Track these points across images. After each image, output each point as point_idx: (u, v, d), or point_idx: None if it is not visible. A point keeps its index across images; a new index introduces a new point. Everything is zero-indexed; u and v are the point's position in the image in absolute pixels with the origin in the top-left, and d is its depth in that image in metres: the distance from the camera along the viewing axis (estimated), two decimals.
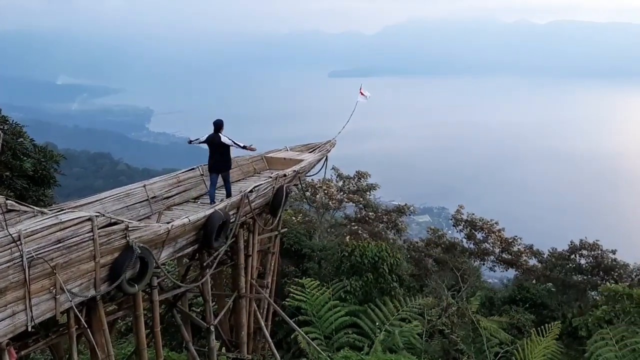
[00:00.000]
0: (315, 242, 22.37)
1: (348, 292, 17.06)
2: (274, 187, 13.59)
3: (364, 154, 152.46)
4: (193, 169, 13.72)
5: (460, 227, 24.55)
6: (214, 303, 13.58)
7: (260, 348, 15.37)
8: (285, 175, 14.04)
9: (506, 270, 25.19)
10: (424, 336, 16.28)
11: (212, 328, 12.41)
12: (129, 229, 8.47)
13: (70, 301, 7.59)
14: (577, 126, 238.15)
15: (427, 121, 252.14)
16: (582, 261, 22.54)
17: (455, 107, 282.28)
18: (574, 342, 17.77)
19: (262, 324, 14.79)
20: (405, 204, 26.49)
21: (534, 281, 23.35)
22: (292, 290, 17.12)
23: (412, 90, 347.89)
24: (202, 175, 13.64)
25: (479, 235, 24.33)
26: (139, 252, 8.58)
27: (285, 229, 18.70)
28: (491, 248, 24.19)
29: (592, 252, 22.29)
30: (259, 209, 13.58)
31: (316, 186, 25.15)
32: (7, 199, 8.08)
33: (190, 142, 12.95)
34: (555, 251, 23.62)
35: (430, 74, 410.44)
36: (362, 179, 25.99)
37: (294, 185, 16.42)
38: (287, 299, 17.00)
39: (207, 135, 12.45)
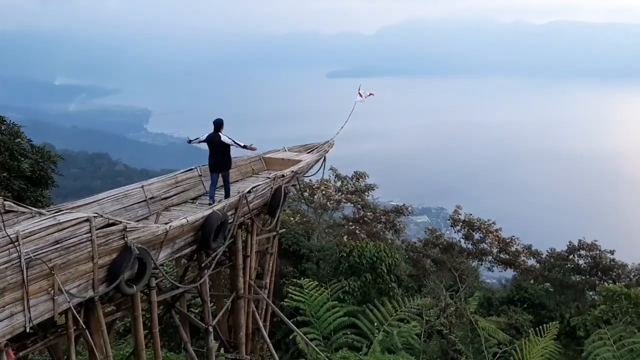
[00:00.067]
0: (313, 242, 22.38)
1: (346, 292, 17.09)
2: (272, 187, 13.61)
3: (363, 154, 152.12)
4: (191, 169, 13.72)
5: (458, 227, 24.63)
6: (212, 304, 13.57)
7: (259, 349, 15.38)
8: (283, 176, 14.04)
9: (504, 271, 25.28)
10: (422, 336, 16.31)
11: (211, 329, 12.43)
12: (127, 229, 8.48)
13: (69, 302, 7.60)
14: (577, 126, 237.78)
15: (426, 121, 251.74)
16: (581, 261, 22.62)
17: (454, 107, 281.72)
18: (572, 342, 17.84)
19: (261, 324, 14.80)
20: (404, 205, 26.54)
21: (532, 281, 23.40)
22: (290, 290, 17.13)
23: (411, 90, 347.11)
24: (200, 176, 13.65)
25: (477, 236, 24.40)
26: (137, 252, 8.59)
27: (284, 230, 18.73)
28: (489, 248, 24.25)
29: (591, 253, 22.38)
30: (257, 209, 13.60)
31: (314, 187, 25.16)
32: (4, 200, 8.07)
33: (189, 141, 12.84)
34: (553, 251, 23.68)
35: (429, 74, 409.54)
36: (361, 179, 26.02)
37: (292, 185, 16.41)
38: (286, 300, 17.02)
39: (207, 135, 12.42)
